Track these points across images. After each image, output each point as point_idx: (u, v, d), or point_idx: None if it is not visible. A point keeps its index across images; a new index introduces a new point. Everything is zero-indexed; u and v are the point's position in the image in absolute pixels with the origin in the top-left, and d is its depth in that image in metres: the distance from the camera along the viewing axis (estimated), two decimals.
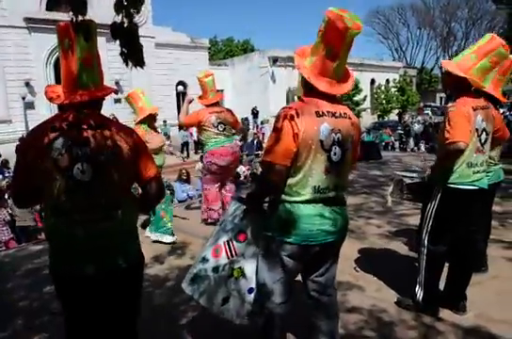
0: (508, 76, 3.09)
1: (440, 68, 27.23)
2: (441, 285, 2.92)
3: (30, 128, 15.05)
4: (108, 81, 19.29)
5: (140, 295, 1.99)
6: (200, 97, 5.08)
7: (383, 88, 30.92)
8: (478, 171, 2.67)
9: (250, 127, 21.71)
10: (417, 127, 19.26)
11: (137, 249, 1.92)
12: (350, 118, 2.00)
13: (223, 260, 2.22)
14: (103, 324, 1.87)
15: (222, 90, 21.52)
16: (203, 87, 4.99)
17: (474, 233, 3.07)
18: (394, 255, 3.90)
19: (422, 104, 32.95)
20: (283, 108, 1.92)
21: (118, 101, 19.58)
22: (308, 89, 1.96)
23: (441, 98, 41.50)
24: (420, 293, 2.81)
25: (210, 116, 4.81)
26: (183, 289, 2.34)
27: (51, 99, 1.86)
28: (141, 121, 4.39)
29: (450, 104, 2.70)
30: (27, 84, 18.16)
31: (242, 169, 10.43)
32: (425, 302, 2.80)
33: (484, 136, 2.68)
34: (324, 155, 1.90)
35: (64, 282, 1.80)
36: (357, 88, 26.60)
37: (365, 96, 27.71)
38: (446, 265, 2.92)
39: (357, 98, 26.70)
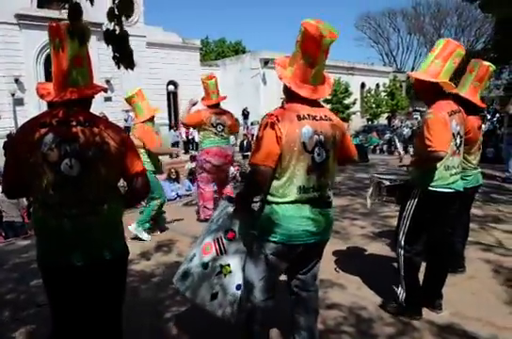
0: (486, 82, 3.20)
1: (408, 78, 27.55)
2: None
3: (19, 124, 14.90)
4: (99, 79, 19.14)
5: (125, 286, 2.06)
6: (203, 98, 5.25)
7: (373, 92, 31.24)
8: (455, 173, 2.77)
9: (241, 128, 21.78)
10: (406, 131, 19.54)
11: (122, 242, 1.99)
12: (331, 119, 2.09)
13: (212, 257, 2.30)
14: (88, 315, 1.93)
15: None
16: (206, 88, 5.15)
17: (450, 234, 3.19)
18: (376, 255, 4.00)
19: (411, 109, 33.32)
20: (266, 115, 2.03)
21: (108, 99, 19.56)
22: (290, 96, 2.08)
23: None
24: (402, 294, 2.86)
25: (210, 116, 4.99)
26: (173, 284, 2.42)
27: (42, 96, 1.91)
28: (146, 120, 4.51)
29: (427, 111, 2.76)
30: (17, 80, 18.01)
31: (231, 170, 10.51)
32: (408, 304, 2.85)
33: (458, 139, 2.77)
34: (307, 156, 1.99)
35: (51, 273, 1.87)
36: (347, 92, 26.85)
37: (355, 99, 27.94)
38: (423, 264, 3.01)
39: (347, 101, 26.92)
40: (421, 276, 2.96)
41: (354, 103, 27.77)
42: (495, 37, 15.36)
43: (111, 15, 1.64)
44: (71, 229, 1.77)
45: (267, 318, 2.22)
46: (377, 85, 33.54)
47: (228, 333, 2.53)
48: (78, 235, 1.79)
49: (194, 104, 5.19)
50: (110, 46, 1.72)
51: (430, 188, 2.73)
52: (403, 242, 2.84)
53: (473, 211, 5.08)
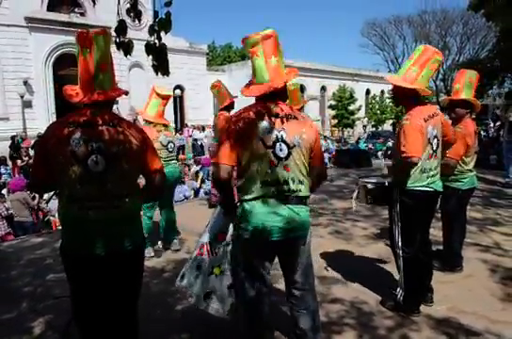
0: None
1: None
2: None
3: (28, 127, 15.09)
4: None
5: (141, 276, 2.20)
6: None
7: (378, 98, 31.43)
8: (432, 175, 2.86)
9: None
10: None
11: (141, 234, 2.15)
12: (296, 118, 2.14)
13: (205, 258, 2.46)
14: (107, 304, 2.07)
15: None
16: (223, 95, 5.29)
17: (450, 234, 3.33)
18: (378, 254, 4.15)
19: None
20: (230, 115, 2.17)
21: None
22: (263, 97, 2.17)
23: None
24: (400, 294, 2.97)
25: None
26: (176, 286, 2.59)
27: (70, 96, 2.05)
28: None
29: (404, 117, 2.88)
30: (25, 82, 18.32)
31: None
32: (406, 303, 2.96)
33: (435, 141, 2.86)
34: (266, 151, 2.04)
35: (75, 262, 2.01)
36: (352, 98, 27.04)
37: (360, 106, 28.13)
38: None
39: (352, 107, 27.10)
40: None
41: (359, 109, 27.95)
42: (498, 45, 15.52)
43: (152, 30, 1.89)
44: (94, 221, 1.92)
45: (265, 316, 2.25)
46: (382, 91, 33.72)
47: (236, 323, 2.68)
48: (101, 227, 1.94)
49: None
50: (150, 56, 1.99)
51: (408, 189, 2.83)
52: (400, 243, 2.92)
53: (473, 214, 5.27)
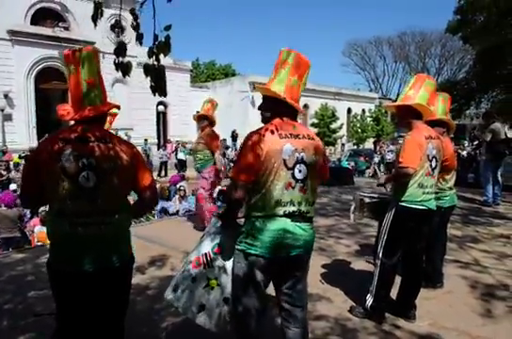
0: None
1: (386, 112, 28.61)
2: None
3: (7, 140, 14.85)
4: None
5: (129, 293, 2.20)
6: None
7: (359, 117, 32.05)
8: (428, 192, 3.01)
9: (229, 150, 21.98)
10: (390, 156, 20.04)
11: (130, 250, 2.16)
12: (313, 139, 2.24)
13: (200, 271, 2.43)
14: (94, 319, 2.06)
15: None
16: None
17: (428, 250, 3.43)
18: (360, 272, 4.20)
19: (396, 135, 34.16)
20: (250, 132, 2.18)
21: None
22: (276, 115, 2.20)
23: None
24: (370, 300, 3.12)
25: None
26: (165, 297, 2.52)
27: (62, 116, 2.11)
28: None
29: (407, 133, 3.05)
30: (6, 96, 18.17)
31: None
32: (373, 309, 3.11)
33: (434, 162, 3.03)
34: (287, 173, 2.09)
35: (62, 278, 1.99)
36: (334, 116, 27.52)
37: (342, 124, 28.62)
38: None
39: (333, 126, 27.55)
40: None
41: (340, 127, 28.42)
42: (475, 67, 16.13)
43: (151, 52, 1.99)
44: (84, 237, 1.92)
45: (258, 332, 2.26)
46: (363, 110, 34.42)
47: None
48: (90, 243, 1.94)
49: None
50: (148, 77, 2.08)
51: (402, 204, 2.97)
52: (381, 254, 3.08)
53: (453, 232, 5.39)
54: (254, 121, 24.59)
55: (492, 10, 11.27)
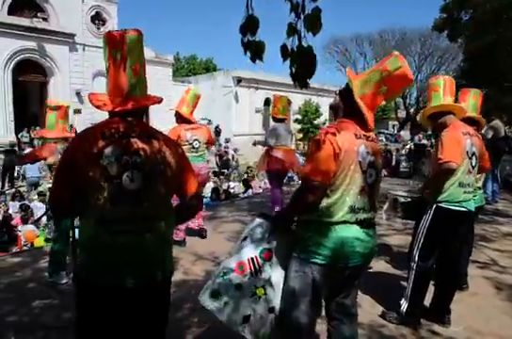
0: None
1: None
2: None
3: None
4: (69, 91, 18.45)
5: (169, 308, 1.95)
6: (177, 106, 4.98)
7: None
8: (468, 192, 2.89)
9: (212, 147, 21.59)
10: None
11: (171, 260, 1.93)
12: (377, 142, 2.12)
13: (247, 277, 2.18)
14: (130, 337, 1.83)
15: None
16: (184, 99, 4.92)
17: (458, 252, 3.31)
18: (381, 273, 4.06)
19: (376, 131, 34.41)
20: (323, 128, 2.01)
21: (77, 111, 19.04)
22: (349, 113, 2.04)
23: (394, 125, 43.62)
24: (404, 305, 2.99)
25: (185, 132, 4.77)
26: (201, 302, 2.25)
27: (98, 107, 1.82)
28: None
29: (443, 131, 2.92)
30: None
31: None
32: (408, 315, 2.97)
33: (474, 159, 2.92)
34: (361, 176, 1.96)
35: (94, 292, 1.73)
36: (317, 112, 27.45)
37: (326, 120, 28.57)
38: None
39: (317, 121, 27.47)
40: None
41: (324, 123, 28.35)
42: (463, 65, 16.19)
43: (292, 29, 1.54)
44: (126, 246, 1.68)
45: None
46: None
47: None
48: (132, 254, 1.70)
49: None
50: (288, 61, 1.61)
51: (443, 205, 2.84)
52: (417, 257, 2.95)
53: None
54: (237, 116, 24.45)
55: (487, 8, 11.28)
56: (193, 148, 4.76)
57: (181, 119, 4.86)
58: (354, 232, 1.96)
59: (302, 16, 1.51)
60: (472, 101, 3.55)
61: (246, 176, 13.22)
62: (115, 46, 1.73)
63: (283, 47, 1.59)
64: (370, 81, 1.99)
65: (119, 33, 1.72)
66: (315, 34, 1.53)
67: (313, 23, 1.51)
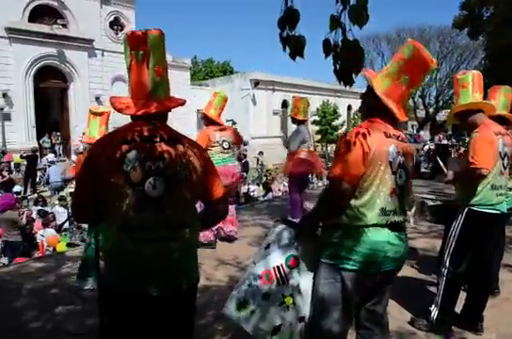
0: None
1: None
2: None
3: (7, 140, 14.43)
4: (89, 96, 18.71)
5: (194, 316, 1.91)
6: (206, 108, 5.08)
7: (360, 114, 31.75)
8: (501, 194, 2.79)
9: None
10: None
11: (197, 269, 1.87)
12: (407, 142, 2.03)
13: (274, 287, 2.09)
14: None
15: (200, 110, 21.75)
16: (211, 102, 5.02)
17: (492, 256, 3.19)
18: (406, 278, 3.93)
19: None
20: (354, 128, 1.94)
21: None
22: (377, 112, 1.96)
23: (413, 126, 42.97)
24: (435, 312, 2.89)
25: (214, 133, 4.85)
26: (226, 314, 2.14)
27: (120, 110, 1.77)
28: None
29: (475, 131, 2.83)
30: (5, 95, 17.68)
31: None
32: (438, 322, 2.87)
33: (506, 160, 2.82)
34: (391, 177, 1.88)
35: (118, 299, 1.70)
36: (336, 114, 27.25)
37: (344, 121, 28.37)
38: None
39: (335, 123, 27.28)
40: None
41: (342, 124, 28.15)
42: (485, 63, 15.83)
43: (335, 22, 1.41)
44: (150, 254, 1.64)
45: None
46: None
47: None
48: (157, 262, 1.66)
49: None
50: (331, 57, 1.50)
51: (475, 209, 2.74)
52: (448, 263, 2.85)
53: None
54: (255, 118, 24.49)
55: (509, 3, 10.95)
56: (223, 148, 4.85)
57: (208, 121, 4.97)
58: (385, 235, 1.89)
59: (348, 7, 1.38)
60: (502, 98, 3.43)
61: (265, 179, 13.17)
62: (136, 46, 1.68)
63: (326, 42, 1.48)
64: (389, 74, 1.94)
65: (140, 32, 1.67)
66: (361, 26, 1.40)
67: (359, 14, 1.38)
